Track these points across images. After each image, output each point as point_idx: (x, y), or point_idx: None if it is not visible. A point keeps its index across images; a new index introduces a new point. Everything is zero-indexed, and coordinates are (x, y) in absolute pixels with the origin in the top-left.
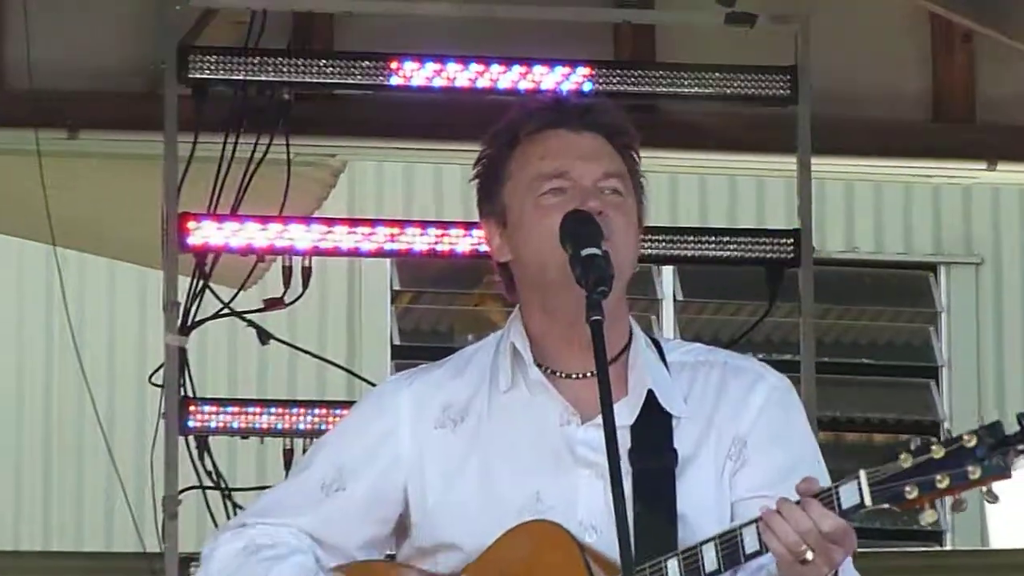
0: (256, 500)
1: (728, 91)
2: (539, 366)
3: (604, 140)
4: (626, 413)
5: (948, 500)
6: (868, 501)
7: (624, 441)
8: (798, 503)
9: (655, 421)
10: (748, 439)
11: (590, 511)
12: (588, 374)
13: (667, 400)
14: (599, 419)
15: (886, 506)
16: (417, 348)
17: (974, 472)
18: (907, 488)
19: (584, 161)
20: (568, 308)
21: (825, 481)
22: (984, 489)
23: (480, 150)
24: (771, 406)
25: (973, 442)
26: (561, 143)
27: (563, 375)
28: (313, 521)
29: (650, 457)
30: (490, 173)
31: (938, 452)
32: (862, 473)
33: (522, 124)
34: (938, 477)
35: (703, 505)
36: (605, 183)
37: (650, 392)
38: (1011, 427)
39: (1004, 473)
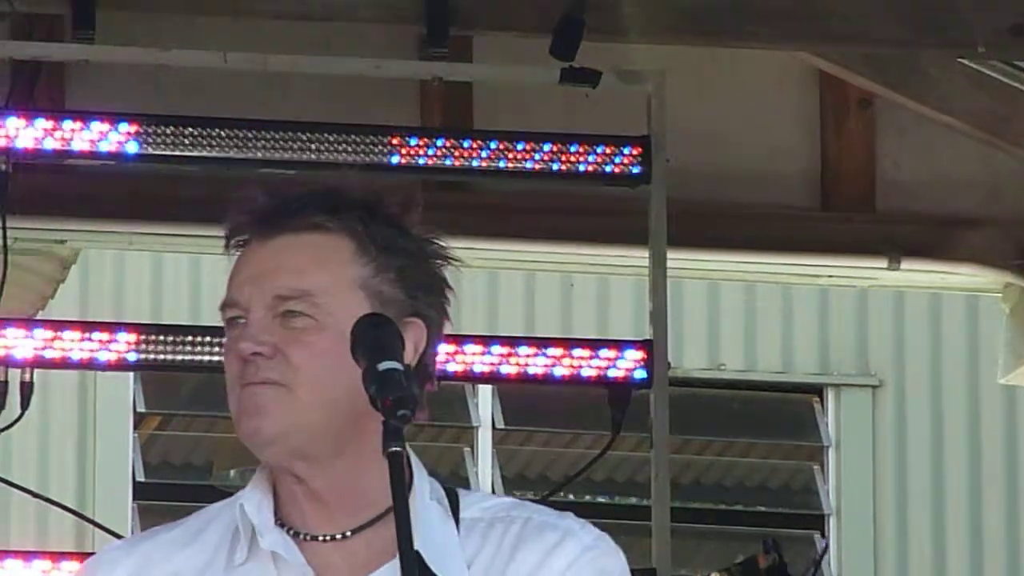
0: None
1: (563, 166)
2: (283, 527)
3: (306, 240)
4: None
5: None
6: None
7: None
8: None
9: None
10: None
11: None
12: (340, 536)
13: (441, 565)
14: None
15: None
16: (166, 487)
17: None
18: None
19: (253, 283)
20: (274, 463)
21: None
22: None
23: None
24: (579, 568)
25: None
26: (244, 260)
27: (308, 537)
28: None
29: None
30: None
31: None
32: None
33: (228, 233)
34: None
35: None
36: (281, 307)
37: (419, 556)
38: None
39: None
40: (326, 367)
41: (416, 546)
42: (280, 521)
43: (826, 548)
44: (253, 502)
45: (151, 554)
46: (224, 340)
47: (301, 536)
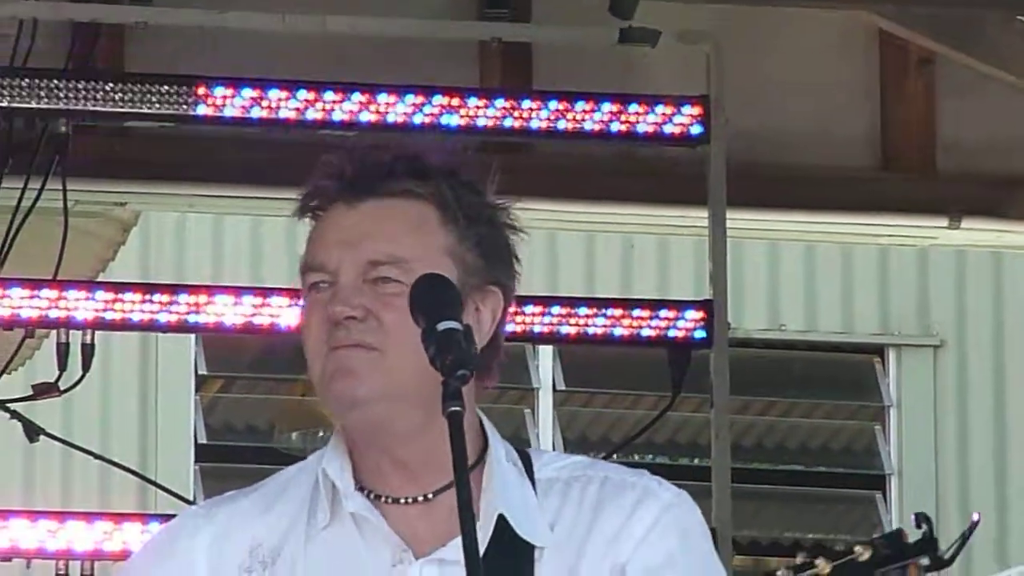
0: None
1: (622, 127)
2: (363, 491)
3: (396, 207)
4: None
5: None
6: None
7: None
8: None
9: (512, 554)
10: (627, 569)
11: None
12: (421, 498)
13: (526, 527)
14: (438, 553)
15: None
16: (228, 448)
17: None
18: None
19: (345, 247)
20: (354, 426)
21: None
22: None
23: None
24: (662, 528)
25: (867, 555)
26: (330, 224)
27: (389, 500)
28: None
29: None
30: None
31: (824, 569)
32: None
33: (306, 196)
34: None
35: None
36: (373, 273)
37: (503, 518)
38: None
39: None
40: (416, 332)
41: (499, 509)
42: (359, 485)
43: (976, 523)
44: (335, 465)
45: (231, 520)
46: (302, 303)
47: (383, 499)
